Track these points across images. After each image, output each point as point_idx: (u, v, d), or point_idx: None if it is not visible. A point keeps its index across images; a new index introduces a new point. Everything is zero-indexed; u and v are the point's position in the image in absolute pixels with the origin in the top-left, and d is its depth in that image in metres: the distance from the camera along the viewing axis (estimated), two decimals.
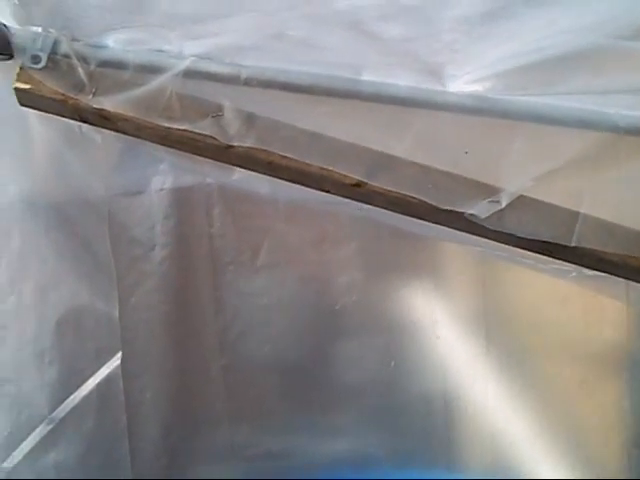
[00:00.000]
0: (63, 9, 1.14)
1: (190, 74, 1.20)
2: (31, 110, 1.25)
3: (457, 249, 1.62)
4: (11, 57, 1.20)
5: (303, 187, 1.25)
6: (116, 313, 1.49)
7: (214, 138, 1.18)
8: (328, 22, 1.09)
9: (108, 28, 1.15)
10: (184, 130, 1.18)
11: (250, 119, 1.20)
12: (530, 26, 1.08)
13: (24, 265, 1.46)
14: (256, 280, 1.60)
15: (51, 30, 1.19)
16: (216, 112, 1.19)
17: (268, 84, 1.19)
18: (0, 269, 1.45)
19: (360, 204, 1.25)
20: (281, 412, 1.72)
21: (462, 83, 1.16)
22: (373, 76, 1.20)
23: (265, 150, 1.19)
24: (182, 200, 1.50)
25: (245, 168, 1.23)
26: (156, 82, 1.17)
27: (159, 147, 1.23)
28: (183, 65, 1.19)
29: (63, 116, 1.20)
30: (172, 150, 1.24)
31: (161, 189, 1.47)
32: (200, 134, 1.18)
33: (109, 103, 1.16)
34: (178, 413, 1.65)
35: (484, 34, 1.08)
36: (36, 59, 1.16)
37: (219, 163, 1.25)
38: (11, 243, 1.43)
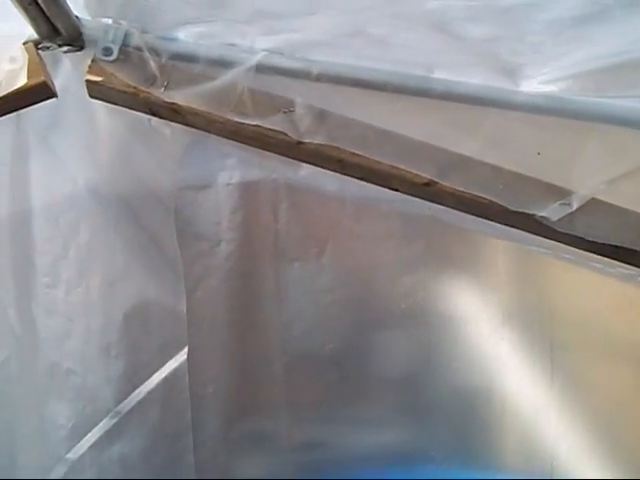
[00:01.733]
0: (137, 1, 1.09)
1: (261, 69, 1.18)
2: (99, 102, 1.20)
3: (514, 249, 1.55)
4: (81, 48, 1.17)
5: (371, 185, 1.20)
6: (183, 308, 1.48)
7: (285, 134, 1.15)
8: (412, 21, 1.07)
9: (183, 22, 1.12)
10: (255, 125, 1.15)
11: (321, 116, 1.17)
12: (621, 30, 1.04)
13: (92, 258, 1.46)
14: (321, 277, 1.55)
15: (122, 22, 1.17)
16: (287, 108, 1.17)
17: (339, 80, 1.17)
18: (68, 261, 1.44)
19: (429, 203, 1.20)
20: (340, 406, 1.68)
21: (536, 83, 1.13)
22: (444, 74, 1.17)
23: (336, 147, 1.16)
24: (249, 195, 1.48)
25: (315, 165, 1.20)
26: (228, 76, 1.15)
27: (228, 142, 1.18)
28: (255, 60, 1.17)
29: (133, 109, 1.19)
30: (240, 145, 1.19)
31: (228, 184, 1.45)
32: (271, 130, 1.17)
33: (180, 97, 1.14)
34: (239, 407, 1.62)
35: (573, 37, 1.05)
36: (108, 51, 1.15)
37: (287, 159, 1.20)
38: (80, 236, 1.43)
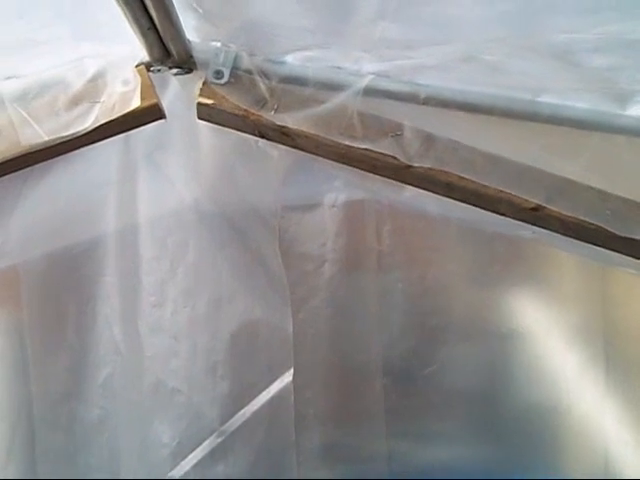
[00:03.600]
0: (249, 26, 1.08)
1: (369, 92, 1.18)
2: (205, 122, 1.19)
3: (582, 266, 1.53)
4: (190, 71, 1.17)
5: (474, 208, 1.18)
6: (290, 328, 1.46)
7: (394, 157, 1.14)
8: (532, 50, 1.03)
9: (295, 47, 1.10)
10: (364, 149, 1.12)
11: (429, 139, 1.17)
12: None
13: (199, 277, 1.45)
14: (423, 299, 1.54)
15: (231, 45, 1.14)
16: (396, 131, 1.15)
17: (446, 104, 1.17)
18: (176, 280, 1.45)
19: (534, 227, 1.18)
20: (437, 422, 1.67)
21: None
22: (551, 98, 1.16)
23: (444, 171, 1.16)
24: (353, 217, 1.47)
25: (422, 188, 1.20)
26: (337, 100, 1.15)
27: (334, 164, 1.16)
28: (363, 83, 1.17)
29: (242, 131, 1.19)
30: (346, 167, 1.17)
31: (333, 205, 1.43)
32: (380, 153, 1.14)
33: (291, 120, 1.14)
34: (340, 425, 1.61)
35: None
36: (219, 74, 1.15)
37: (390, 181, 1.19)
38: (187, 255, 1.43)
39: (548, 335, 1.66)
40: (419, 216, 1.42)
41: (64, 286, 1.44)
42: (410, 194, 1.30)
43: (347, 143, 1.17)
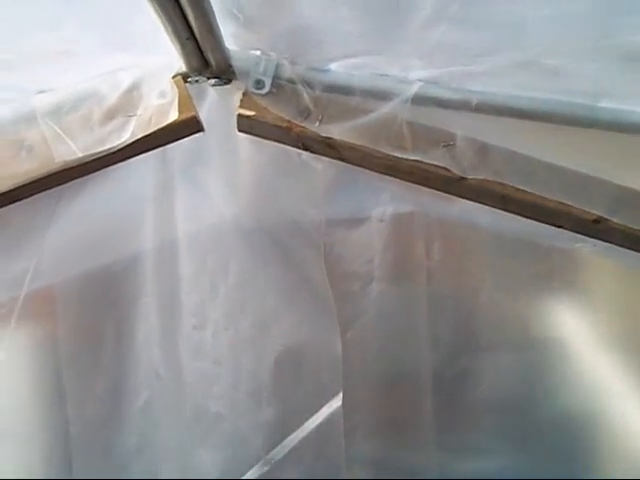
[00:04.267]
0: (295, 32, 1.02)
1: (418, 100, 1.12)
2: (243, 134, 1.13)
3: (620, 274, 1.46)
4: (229, 81, 1.12)
5: (529, 220, 1.11)
6: (338, 349, 1.38)
7: (446, 169, 1.07)
8: (599, 52, 0.96)
9: (341, 54, 1.03)
10: (414, 160, 1.05)
11: (483, 149, 1.11)
12: None
13: (241, 298, 1.38)
14: (476, 317, 1.45)
15: (271, 54, 1.07)
16: (447, 141, 1.08)
17: (500, 111, 1.10)
18: (217, 302, 1.38)
19: (594, 240, 1.10)
20: (494, 446, 1.58)
21: None
22: (612, 103, 1.10)
23: (499, 183, 1.09)
24: (401, 231, 1.39)
25: (475, 201, 1.12)
26: (385, 109, 1.09)
27: (382, 176, 1.09)
28: (412, 91, 1.11)
29: (284, 143, 1.13)
30: (394, 180, 1.10)
31: (381, 220, 1.35)
32: (431, 164, 1.07)
33: (336, 131, 1.08)
34: (388, 449, 1.53)
35: None
36: (260, 84, 1.09)
37: (440, 193, 1.11)
38: (228, 274, 1.36)
39: (598, 348, 1.55)
40: (470, 229, 1.33)
41: (101, 306, 1.38)
42: (461, 207, 1.24)
43: (397, 155, 1.10)
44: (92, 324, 1.40)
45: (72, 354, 1.40)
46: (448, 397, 1.53)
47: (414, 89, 1.11)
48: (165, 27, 0.94)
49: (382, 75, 1.14)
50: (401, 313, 1.47)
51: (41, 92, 1.13)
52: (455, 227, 1.37)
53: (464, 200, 1.19)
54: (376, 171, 1.14)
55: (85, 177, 1.14)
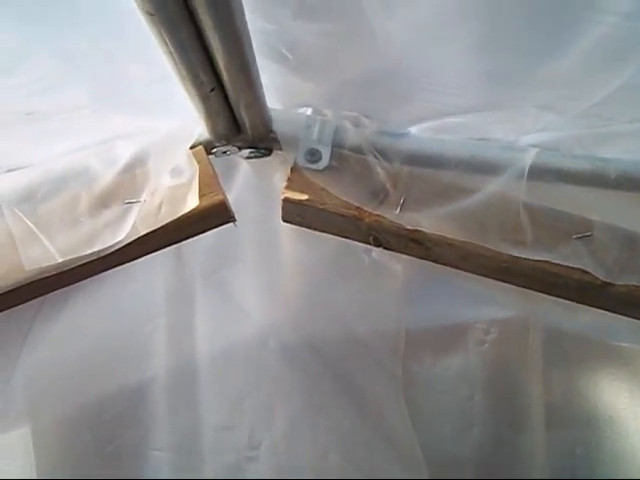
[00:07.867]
0: (361, 82, 0.68)
1: (536, 173, 0.81)
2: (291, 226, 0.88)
3: None
4: (270, 152, 0.87)
5: None
6: None
7: (584, 271, 0.77)
8: None
9: (432, 113, 0.68)
10: (540, 261, 0.68)
11: (632, 242, 0.88)
12: None
13: (288, 444, 1.04)
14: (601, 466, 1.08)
15: (327, 112, 0.84)
16: (582, 232, 0.75)
17: None
18: (256, 452, 0.99)
19: None
20: None
21: None
22: None
23: None
24: (510, 355, 1.01)
25: (619, 312, 0.79)
26: (492, 187, 0.82)
27: (487, 280, 0.74)
28: (527, 160, 0.81)
29: (349, 237, 0.78)
30: (503, 284, 0.75)
31: (484, 342, 0.97)
32: (562, 266, 0.74)
33: (425, 220, 0.77)
34: None
35: None
36: (314, 156, 0.81)
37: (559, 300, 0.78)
38: (269, 411, 1.00)
39: None
40: (594, 345, 0.96)
41: (93, 464, 0.99)
42: (590, 319, 0.93)
43: (514, 253, 0.78)
44: None
45: None
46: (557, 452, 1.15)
47: (530, 157, 0.81)
48: (180, 74, 0.65)
49: (482, 140, 0.84)
50: (514, 461, 1.08)
51: (8, 170, 0.85)
52: (574, 340, 1.00)
53: (599, 310, 0.86)
54: (482, 274, 0.83)
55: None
